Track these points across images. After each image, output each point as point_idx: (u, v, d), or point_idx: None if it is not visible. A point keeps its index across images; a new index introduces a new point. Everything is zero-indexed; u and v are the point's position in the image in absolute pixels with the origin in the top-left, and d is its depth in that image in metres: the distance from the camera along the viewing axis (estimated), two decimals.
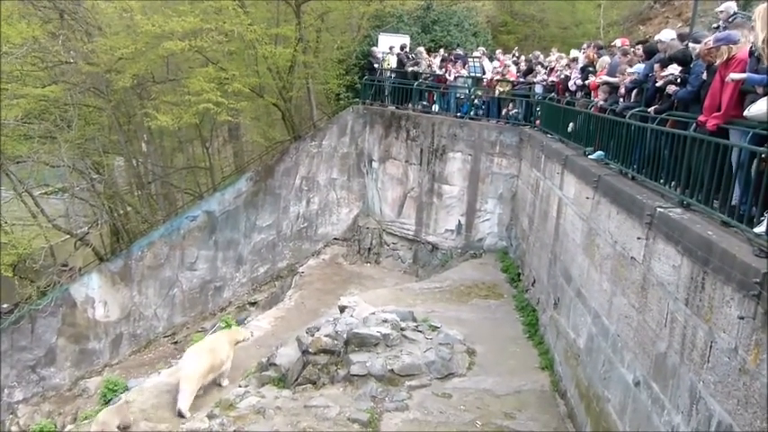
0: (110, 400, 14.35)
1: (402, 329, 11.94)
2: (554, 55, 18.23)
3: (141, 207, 26.26)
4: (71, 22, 23.47)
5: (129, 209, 26.19)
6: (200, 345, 13.15)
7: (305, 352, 11.60)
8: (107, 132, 24.95)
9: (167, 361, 17.61)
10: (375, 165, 21.76)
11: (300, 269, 20.91)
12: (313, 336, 11.77)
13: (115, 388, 14.98)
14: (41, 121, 21.70)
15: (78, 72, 22.24)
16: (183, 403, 11.65)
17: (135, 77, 21.98)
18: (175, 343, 19.96)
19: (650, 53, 9.81)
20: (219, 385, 12.76)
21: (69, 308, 19.36)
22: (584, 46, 15.30)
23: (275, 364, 12.38)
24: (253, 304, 20.55)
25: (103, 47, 20.88)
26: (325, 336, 11.58)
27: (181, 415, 11.51)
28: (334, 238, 22.38)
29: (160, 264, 20.59)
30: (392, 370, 10.82)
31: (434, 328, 12.36)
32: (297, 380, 11.45)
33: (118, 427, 11.10)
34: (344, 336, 11.43)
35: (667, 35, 9.60)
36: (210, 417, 10.49)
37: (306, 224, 22.26)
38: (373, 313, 12.31)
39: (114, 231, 25.60)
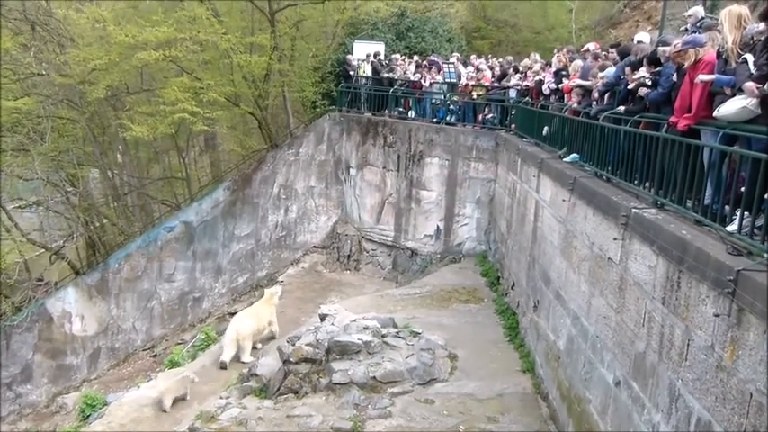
0: (88, 416, 14.18)
1: (383, 336, 11.92)
2: (531, 58, 18.29)
3: (117, 219, 25.97)
4: (43, 33, 23.24)
5: (105, 221, 25.91)
6: (246, 311, 15.63)
7: (286, 361, 11.54)
8: (81, 144, 24.70)
9: (146, 374, 17.39)
10: (353, 172, 21.76)
11: (280, 278, 20.81)
12: (294, 345, 11.73)
13: (94, 403, 14.78)
14: (14, 134, 21.42)
15: (51, 84, 22.03)
16: (226, 356, 14.14)
17: (109, 88, 21.80)
18: (155, 356, 19.73)
19: (624, 55, 9.95)
20: (273, 338, 15.06)
21: (45, 323, 19.06)
22: (556, 51, 15.45)
23: (256, 375, 12.33)
24: (233, 314, 20.36)
25: (76, 58, 20.69)
26: (306, 344, 11.53)
27: (222, 367, 13.97)
28: (314, 246, 22.32)
29: (138, 276, 20.37)
30: (374, 377, 10.79)
31: (415, 334, 12.37)
32: (278, 390, 11.39)
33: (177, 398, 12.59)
34: (326, 344, 11.39)
35: (645, 37, 9.78)
36: (192, 430, 10.40)
37: (284, 233, 22.18)
38: (354, 320, 12.28)
39: (90, 244, 25.31)
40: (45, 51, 22.68)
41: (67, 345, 19.43)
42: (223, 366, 14.00)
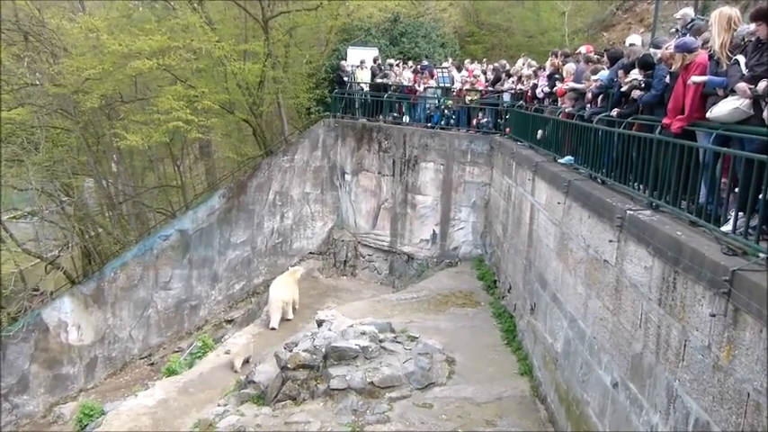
0: (86, 426, 14.12)
1: (381, 341, 11.91)
2: (520, 62, 18.35)
3: (113, 228, 25.93)
4: (36, 43, 23.26)
5: (100, 230, 25.86)
6: (280, 281, 17.81)
7: (284, 368, 11.52)
8: (76, 154, 24.68)
9: (144, 383, 17.35)
10: (348, 177, 21.77)
11: None
12: (291, 351, 11.70)
13: (91, 413, 14.72)
14: (8, 144, 21.39)
15: (45, 94, 22.03)
16: (275, 322, 16.77)
17: (103, 98, 21.82)
18: (152, 364, 19.69)
19: (614, 59, 9.99)
20: (289, 319, 17.26)
21: (42, 333, 19.01)
22: (551, 54, 15.50)
23: (254, 382, 12.29)
24: (229, 322, 20.37)
25: (70, 68, 20.69)
26: (304, 351, 11.51)
27: (273, 329, 16.57)
28: (310, 252, 22.30)
29: (134, 284, 20.33)
30: (372, 382, 10.78)
31: (413, 339, 12.36)
32: (276, 396, 11.36)
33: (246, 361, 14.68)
34: (323, 350, 11.38)
35: (637, 40, 9.84)
36: None
37: (281, 239, 22.16)
38: (351, 326, 12.26)
39: (86, 254, 25.26)
40: (38, 61, 22.69)
41: (64, 354, 19.37)
42: (273, 328, 16.53)
